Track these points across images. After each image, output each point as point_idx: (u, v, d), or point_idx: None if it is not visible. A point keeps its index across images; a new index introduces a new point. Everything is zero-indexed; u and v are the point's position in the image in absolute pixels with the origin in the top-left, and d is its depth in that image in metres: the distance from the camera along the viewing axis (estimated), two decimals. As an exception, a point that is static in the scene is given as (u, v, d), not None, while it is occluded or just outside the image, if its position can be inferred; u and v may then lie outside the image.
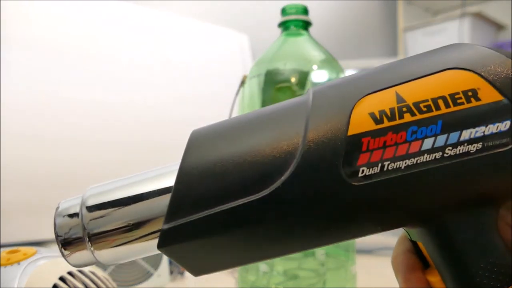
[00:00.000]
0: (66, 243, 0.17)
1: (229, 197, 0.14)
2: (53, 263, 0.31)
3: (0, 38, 0.75)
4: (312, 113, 0.15)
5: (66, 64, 0.83)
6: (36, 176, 0.75)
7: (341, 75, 0.39)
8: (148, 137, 0.90)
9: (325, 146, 0.14)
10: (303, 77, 0.38)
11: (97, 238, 0.16)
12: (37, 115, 0.77)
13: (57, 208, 0.17)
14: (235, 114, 0.41)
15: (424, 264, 0.17)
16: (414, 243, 0.18)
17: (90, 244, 0.16)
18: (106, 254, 0.17)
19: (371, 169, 0.14)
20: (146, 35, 0.97)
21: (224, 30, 1.12)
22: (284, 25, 0.40)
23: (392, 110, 0.14)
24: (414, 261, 0.17)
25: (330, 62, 0.39)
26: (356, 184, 0.14)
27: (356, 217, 0.15)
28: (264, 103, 0.38)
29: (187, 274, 0.52)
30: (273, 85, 0.39)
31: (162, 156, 0.91)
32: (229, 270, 0.51)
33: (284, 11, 0.40)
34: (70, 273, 0.30)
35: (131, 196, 0.16)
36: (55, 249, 0.64)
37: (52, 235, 0.62)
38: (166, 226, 0.15)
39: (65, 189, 0.79)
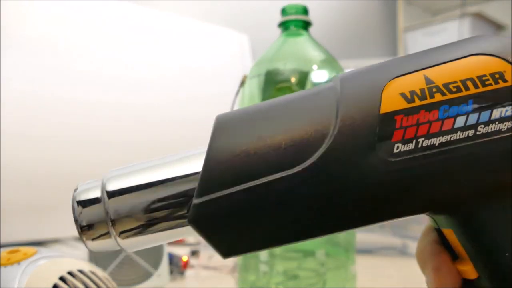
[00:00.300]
0: (86, 228, 0.16)
1: (262, 172, 0.14)
2: (53, 263, 0.31)
3: (0, 38, 0.75)
4: (342, 95, 0.15)
5: (66, 64, 0.83)
6: (36, 176, 0.75)
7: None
8: (148, 137, 0.90)
9: (359, 123, 0.14)
10: (303, 77, 0.38)
11: (120, 223, 0.16)
12: (37, 115, 0.77)
13: (75, 190, 0.17)
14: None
15: (451, 255, 0.17)
16: (439, 234, 0.17)
17: (113, 230, 0.16)
18: (130, 240, 0.16)
19: (405, 145, 0.14)
20: (146, 35, 0.97)
21: (224, 30, 1.12)
22: (284, 25, 0.40)
23: (422, 90, 0.14)
24: (443, 251, 0.17)
25: (330, 62, 0.39)
26: (391, 159, 0.14)
27: (390, 195, 0.15)
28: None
29: (187, 274, 0.52)
30: (273, 85, 0.39)
31: (160, 155, 0.91)
32: (229, 270, 0.51)
33: (284, 11, 0.40)
34: (70, 273, 0.30)
35: (156, 180, 0.16)
36: (55, 249, 0.64)
37: (52, 235, 0.62)
38: (197, 201, 0.15)
39: (65, 189, 0.79)
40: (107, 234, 0.16)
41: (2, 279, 0.28)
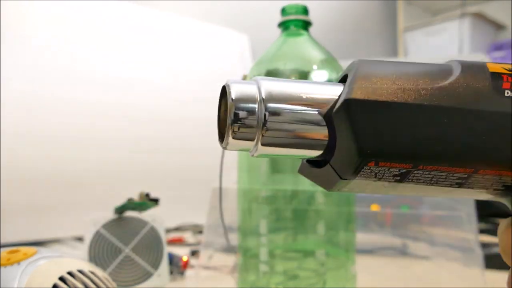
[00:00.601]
0: (237, 125, 0.16)
1: (412, 81, 0.17)
2: (53, 263, 0.31)
3: (0, 38, 0.75)
4: (462, 63, 0.18)
5: (66, 64, 0.83)
6: (36, 176, 0.75)
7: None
8: (148, 137, 0.90)
9: (477, 70, 0.17)
10: (303, 77, 0.38)
11: (270, 134, 0.16)
12: (37, 115, 0.77)
13: (229, 86, 0.17)
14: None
15: None
16: None
17: (260, 137, 0.16)
18: (267, 149, 0.17)
19: None
20: (146, 35, 0.97)
21: (224, 30, 1.12)
22: (284, 25, 0.40)
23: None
24: None
25: (330, 62, 0.39)
26: (504, 96, 0.17)
27: (498, 128, 0.16)
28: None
29: (187, 274, 0.52)
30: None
31: (161, 155, 0.91)
32: (229, 270, 0.51)
33: (284, 11, 0.40)
34: (70, 273, 0.30)
35: (308, 96, 0.17)
36: (55, 249, 0.64)
37: (52, 235, 0.62)
38: (351, 97, 0.16)
39: (65, 189, 0.79)
40: (252, 138, 0.17)
41: (2, 279, 0.28)
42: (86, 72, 0.85)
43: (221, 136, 0.18)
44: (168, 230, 0.79)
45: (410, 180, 0.17)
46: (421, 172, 0.17)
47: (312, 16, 0.41)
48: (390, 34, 1.75)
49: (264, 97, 0.17)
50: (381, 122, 0.16)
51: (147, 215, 0.49)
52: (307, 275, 0.38)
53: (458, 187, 0.17)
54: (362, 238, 0.61)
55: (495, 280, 0.47)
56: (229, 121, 0.16)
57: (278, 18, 0.40)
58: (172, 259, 0.50)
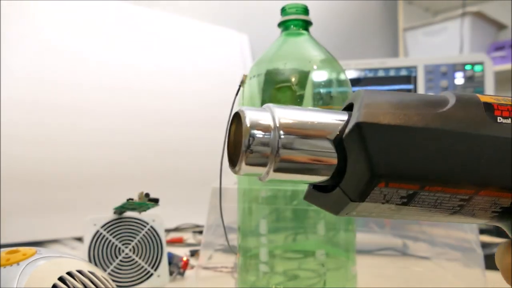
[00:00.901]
0: (250, 152, 0.17)
1: (415, 107, 0.18)
2: (53, 263, 0.31)
3: (0, 38, 0.75)
4: (455, 93, 0.19)
5: (66, 66, 0.83)
6: (36, 177, 0.75)
7: (342, 75, 0.39)
8: (147, 137, 0.90)
9: (470, 99, 0.18)
10: (303, 77, 0.38)
11: (283, 160, 0.17)
12: (38, 116, 0.77)
13: (243, 113, 0.17)
14: (235, 114, 0.41)
15: None
16: None
17: (273, 165, 0.17)
18: (279, 175, 0.18)
19: (505, 119, 0.18)
20: (147, 36, 0.97)
21: (224, 30, 1.12)
22: (284, 25, 0.40)
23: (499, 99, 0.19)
24: None
25: (330, 62, 0.39)
26: (497, 122, 0.18)
27: (494, 153, 0.17)
28: (264, 103, 0.38)
29: (187, 274, 0.51)
30: (273, 85, 0.39)
31: (161, 156, 0.91)
32: (229, 270, 0.51)
33: (284, 11, 0.40)
34: (69, 274, 0.30)
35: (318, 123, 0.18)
36: (54, 249, 0.64)
37: (51, 236, 0.62)
38: (360, 121, 0.17)
39: (65, 189, 0.79)
40: (264, 164, 0.17)
41: (2, 279, 0.28)
42: (86, 73, 0.85)
43: (232, 161, 0.18)
44: (168, 230, 0.79)
45: (416, 202, 0.18)
46: (426, 193, 0.17)
47: (312, 16, 0.40)
48: (390, 33, 1.75)
49: (278, 125, 0.17)
50: (391, 144, 0.17)
51: (147, 215, 0.49)
52: (307, 275, 0.38)
53: (459, 209, 0.18)
54: (362, 238, 0.61)
55: (495, 280, 0.47)
56: (243, 147, 0.17)
57: (278, 18, 0.40)
58: (172, 259, 0.50)
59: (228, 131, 0.19)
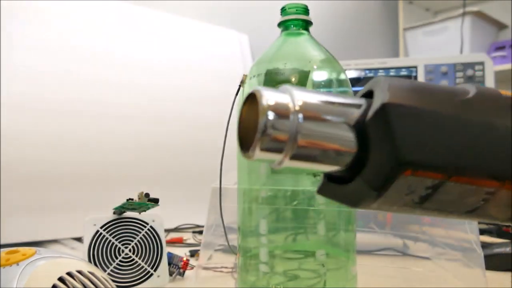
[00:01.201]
0: (266, 137, 0.15)
1: (439, 93, 0.17)
2: (52, 263, 0.31)
3: (0, 38, 0.75)
4: (475, 85, 0.18)
5: (66, 65, 0.83)
6: (36, 177, 0.75)
7: (342, 75, 0.39)
8: (147, 137, 0.90)
9: (490, 90, 0.18)
10: (303, 77, 0.38)
11: (301, 147, 0.16)
12: (38, 116, 0.77)
13: (260, 94, 0.16)
14: (235, 114, 0.41)
15: None
16: None
17: (289, 151, 0.16)
18: (294, 162, 0.16)
19: None
20: (147, 36, 0.97)
21: (224, 30, 1.12)
22: (284, 25, 0.40)
23: None
24: None
25: (330, 62, 0.39)
26: None
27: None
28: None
29: (187, 274, 0.51)
30: (273, 85, 0.38)
31: (161, 156, 0.91)
32: (229, 271, 0.51)
33: (284, 11, 0.40)
34: (69, 274, 0.30)
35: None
36: (54, 249, 0.63)
37: (51, 236, 0.62)
38: (387, 101, 0.16)
39: (65, 189, 0.79)
40: (280, 151, 0.16)
41: (1, 279, 0.28)
42: (86, 73, 0.85)
43: (244, 145, 0.17)
44: (168, 230, 0.79)
45: (441, 194, 0.16)
46: (452, 185, 0.16)
47: (312, 16, 0.40)
48: (390, 33, 1.75)
49: (297, 108, 0.16)
50: (419, 128, 0.16)
51: (147, 215, 0.49)
52: (307, 275, 0.38)
53: (483, 204, 0.17)
54: (362, 238, 0.61)
55: (496, 280, 0.47)
56: (259, 130, 0.15)
57: (278, 18, 0.40)
58: (172, 260, 0.50)
59: (240, 113, 0.18)
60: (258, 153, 0.16)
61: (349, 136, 0.16)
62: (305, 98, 0.16)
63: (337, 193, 0.18)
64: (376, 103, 0.16)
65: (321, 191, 0.19)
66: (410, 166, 0.15)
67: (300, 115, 0.16)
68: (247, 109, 0.17)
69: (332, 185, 0.18)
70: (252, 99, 0.17)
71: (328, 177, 0.18)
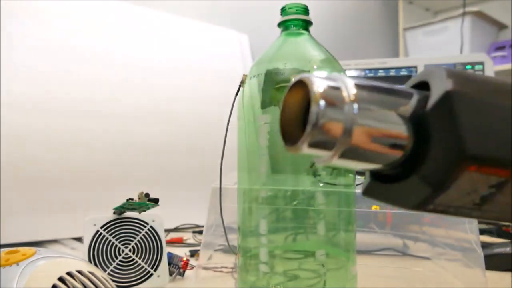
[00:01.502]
0: (317, 132, 0.14)
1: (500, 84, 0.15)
2: (52, 263, 0.31)
3: (0, 38, 0.75)
4: None
5: (66, 65, 0.83)
6: (36, 177, 0.75)
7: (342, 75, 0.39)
8: (147, 137, 0.90)
9: None
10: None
11: (355, 144, 0.14)
12: (38, 116, 0.77)
13: (311, 81, 0.14)
14: (235, 114, 0.41)
15: None
16: None
17: (341, 148, 0.14)
18: (343, 161, 0.14)
19: None
20: (147, 36, 0.97)
21: (224, 30, 1.12)
22: (284, 25, 0.40)
23: None
24: None
25: (331, 62, 0.39)
26: None
27: None
28: (264, 103, 0.38)
29: (187, 274, 0.51)
30: (273, 85, 0.38)
31: (161, 156, 0.91)
32: (229, 270, 0.51)
33: (284, 11, 0.40)
34: (69, 274, 0.30)
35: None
36: (54, 249, 0.63)
37: (51, 236, 0.62)
38: (453, 88, 0.14)
39: (65, 189, 0.79)
40: (330, 148, 0.14)
41: (1, 279, 0.28)
42: (86, 73, 0.85)
43: (288, 138, 0.15)
44: (167, 230, 0.79)
45: (503, 194, 0.15)
46: None
47: (312, 16, 0.40)
48: (390, 33, 1.75)
49: (352, 98, 0.14)
50: (486, 120, 0.14)
51: (147, 215, 0.49)
52: (307, 275, 0.38)
53: None
54: (362, 238, 0.61)
55: (496, 280, 0.47)
56: (311, 122, 0.14)
57: (278, 18, 0.40)
58: (172, 260, 0.50)
59: (282, 104, 0.16)
60: (305, 149, 0.14)
61: (406, 128, 0.15)
62: (359, 86, 0.14)
63: (388, 194, 0.16)
64: (437, 91, 0.14)
65: (368, 192, 0.17)
66: (476, 161, 0.13)
67: (356, 105, 0.14)
68: (290, 100, 0.16)
69: (381, 185, 0.16)
70: (297, 88, 0.15)
71: (375, 176, 0.17)
